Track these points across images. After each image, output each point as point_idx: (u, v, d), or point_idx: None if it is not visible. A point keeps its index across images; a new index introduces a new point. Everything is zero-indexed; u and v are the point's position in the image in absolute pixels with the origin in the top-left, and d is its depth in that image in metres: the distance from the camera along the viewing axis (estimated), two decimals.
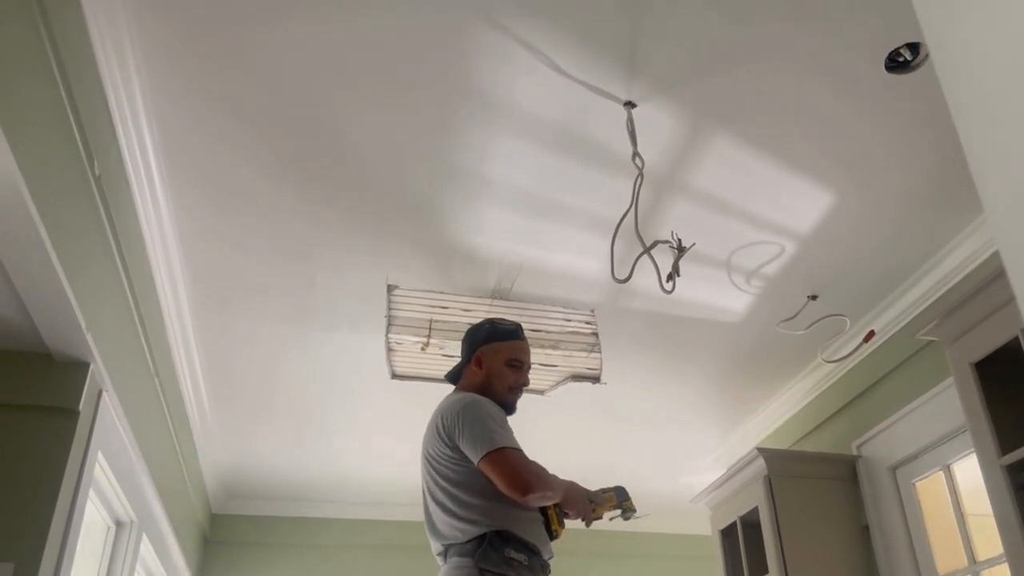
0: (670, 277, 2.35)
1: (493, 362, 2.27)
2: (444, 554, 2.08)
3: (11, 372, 2.03)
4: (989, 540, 2.56)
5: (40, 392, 2.03)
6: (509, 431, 2.13)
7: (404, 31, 1.98)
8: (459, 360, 2.39)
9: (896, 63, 2.08)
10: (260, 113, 2.21)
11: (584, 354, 3.04)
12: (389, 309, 2.87)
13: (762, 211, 2.63)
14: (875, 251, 2.83)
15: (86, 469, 2.12)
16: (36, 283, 1.76)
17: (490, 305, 2.96)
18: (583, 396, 3.54)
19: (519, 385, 2.29)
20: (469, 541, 2.02)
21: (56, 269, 1.73)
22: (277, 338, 3.23)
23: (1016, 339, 2.12)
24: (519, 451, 2.08)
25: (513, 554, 2.01)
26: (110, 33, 1.92)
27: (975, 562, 2.66)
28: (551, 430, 3.84)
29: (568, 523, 2.24)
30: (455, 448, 2.10)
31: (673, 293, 2.41)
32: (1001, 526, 2.13)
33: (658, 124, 2.27)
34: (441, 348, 2.91)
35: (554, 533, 2.17)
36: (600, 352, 3.06)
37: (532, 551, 2.06)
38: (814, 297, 3.06)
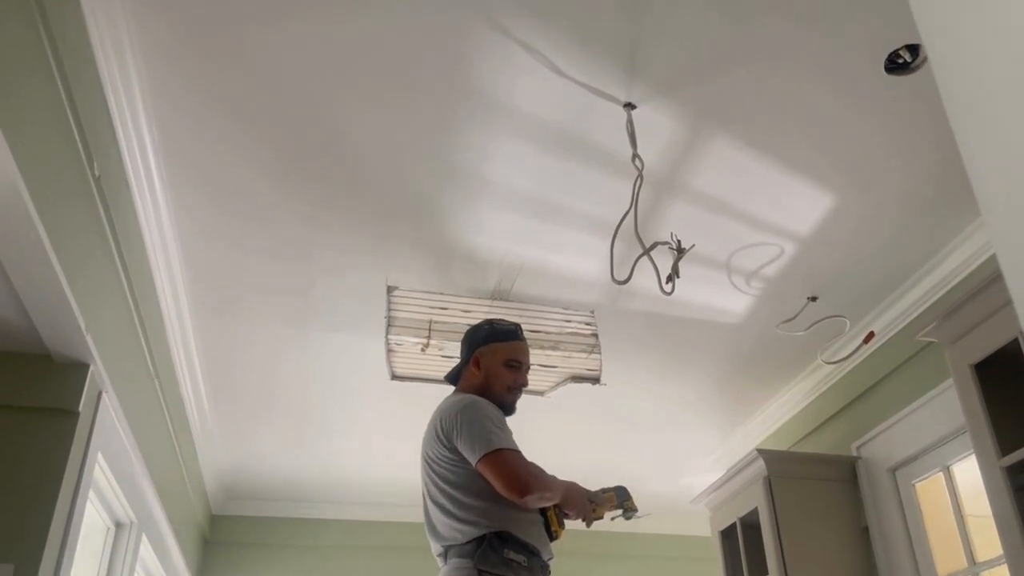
0: (670, 278, 2.35)
1: (491, 363, 2.26)
2: (444, 555, 2.08)
3: (11, 373, 2.03)
4: (989, 541, 2.56)
5: (40, 393, 2.03)
6: (508, 432, 2.12)
7: (404, 31, 1.98)
8: (459, 361, 2.39)
9: (896, 65, 2.08)
10: (260, 113, 2.21)
11: (584, 355, 3.04)
12: (389, 310, 2.87)
13: (762, 212, 2.63)
14: (875, 252, 2.83)
15: (86, 470, 2.12)
16: (36, 284, 1.76)
17: (490, 306, 2.96)
18: (583, 397, 3.54)
19: (518, 386, 2.28)
20: (468, 542, 2.02)
21: (56, 270, 1.73)
22: (277, 339, 3.23)
23: (1016, 341, 2.12)
24: (517, 452, 2.08)
25: (512, 555, 2.01)
26: (110, 33, 1.92)
27: (975, 563, 2.66)
28: (551, 431, 3.84)
29: (569, 523, 2.23)
30: (453, 450, 2.10)
31: (673, 294, 2.42)
32: (1000, 527, 2.13)
33: (658, 125, 2.27)
34: (441, 349, 2.91)
35: (554, 534, 2.17)
36: (600, 353, 3.06)
37: (531, 552, 2.06)
38: (814, 298, 3.05)
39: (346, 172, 2.42)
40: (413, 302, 2.89)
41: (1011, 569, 2.10)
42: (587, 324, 3.07)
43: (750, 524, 3.30)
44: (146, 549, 3.24)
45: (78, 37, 1.82)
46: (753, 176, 2.47)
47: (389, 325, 2.85)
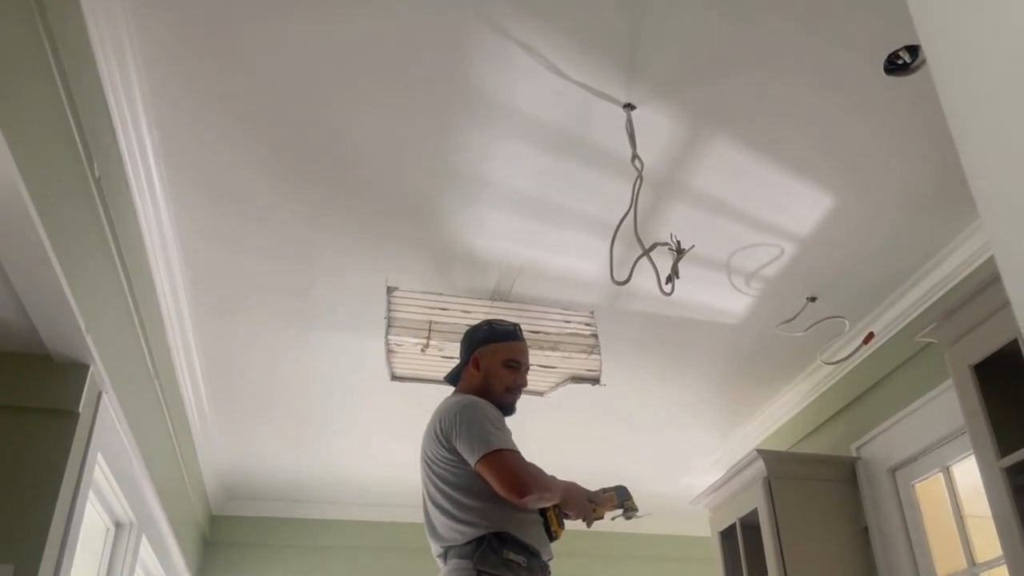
0: (669, 279, 2.36)
1: (491, 363, 2.26)
2: (444, 556, 2.08)
3: (11, 374, 2.03)
4: (988, 542, 2.56)
5: (40, 394, 2.04)
6: (507, 433, 2.12)
7: (404, 31, 1.99)
8: (458, 362, 2.39)
9: (895, 66, 2.08)
10: (260, 113, 2.21)
11: (583, 355, 3.04)
12: (389, 310, 2.87)
13: (761, 213, 2.63)
14: (874, 253, 2.83)
15: (86, 470, 2.12)
16: (36, 285, 1.76)
17: (490, 306, 2.96)
18: (582, 398, 3.54)
19: (517, 386, 2.28)
20: (468, 543, 2.02)
21: (56, 271, 1.73)
22: (277, 339, 3.23)
23: (1015, 341, 2.12)
24: (516, 453, 2.08)
25: (512, 556, 2.01)
26: (110, 33, 1.92)
27: (974, 564, 2.66)
28: (551, 432, 3.84)
29: (569, 524, 2.23)
30: (453, 450, 2.09)
31: (672, 295, 2.42)
32: (1000, 528, 2.14)
33: (657, 126, 2.27)
34: (441, 350, 2.91)
35: (554, 534, 2.17)
36: (599, 354, 3.06)
37: (531, 553, 2.06)
38: (813, 299, 3.05)
39: (346, 172, 2.43)
40: (413, 302, 2.89)
41: (1010, 570, 2.10)
42: (587, 325, 3.07)
43: (750, 524, 3.30)
44: (146, 549, 3.24)
45: (78, 37, 1.82)
46: (753, 176, 2.47)
47: (389, 325, 2.85)
